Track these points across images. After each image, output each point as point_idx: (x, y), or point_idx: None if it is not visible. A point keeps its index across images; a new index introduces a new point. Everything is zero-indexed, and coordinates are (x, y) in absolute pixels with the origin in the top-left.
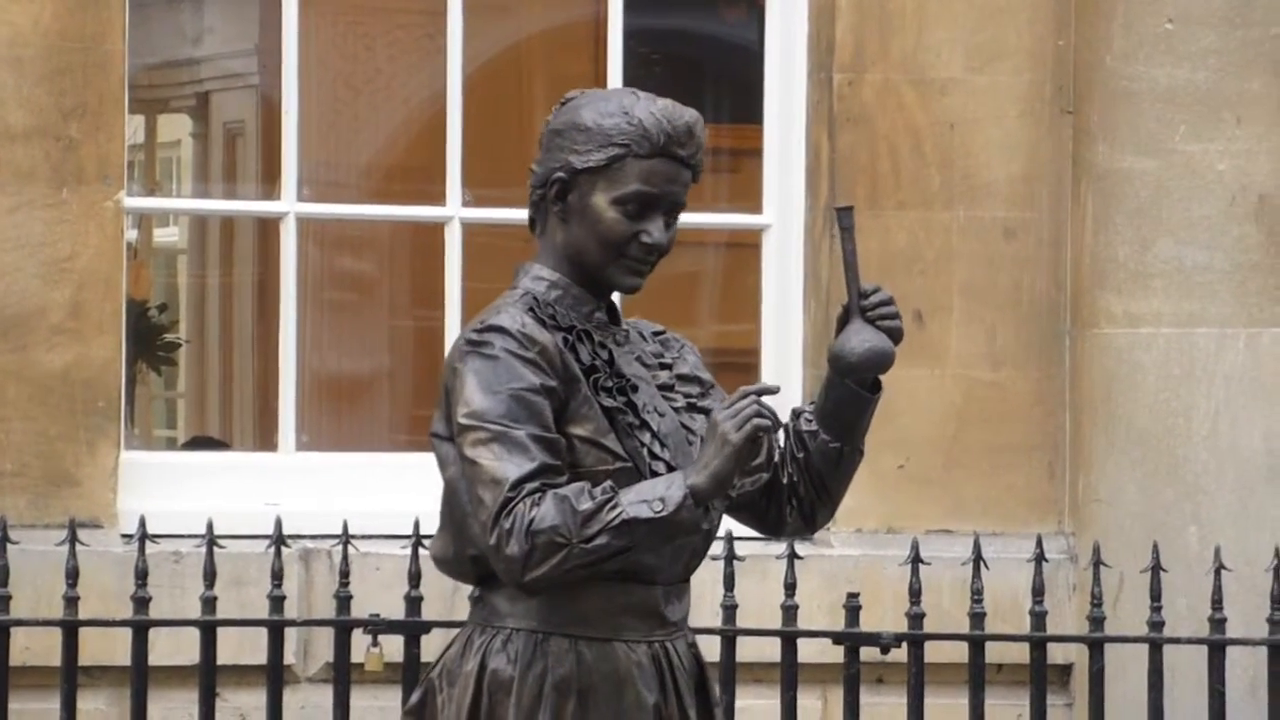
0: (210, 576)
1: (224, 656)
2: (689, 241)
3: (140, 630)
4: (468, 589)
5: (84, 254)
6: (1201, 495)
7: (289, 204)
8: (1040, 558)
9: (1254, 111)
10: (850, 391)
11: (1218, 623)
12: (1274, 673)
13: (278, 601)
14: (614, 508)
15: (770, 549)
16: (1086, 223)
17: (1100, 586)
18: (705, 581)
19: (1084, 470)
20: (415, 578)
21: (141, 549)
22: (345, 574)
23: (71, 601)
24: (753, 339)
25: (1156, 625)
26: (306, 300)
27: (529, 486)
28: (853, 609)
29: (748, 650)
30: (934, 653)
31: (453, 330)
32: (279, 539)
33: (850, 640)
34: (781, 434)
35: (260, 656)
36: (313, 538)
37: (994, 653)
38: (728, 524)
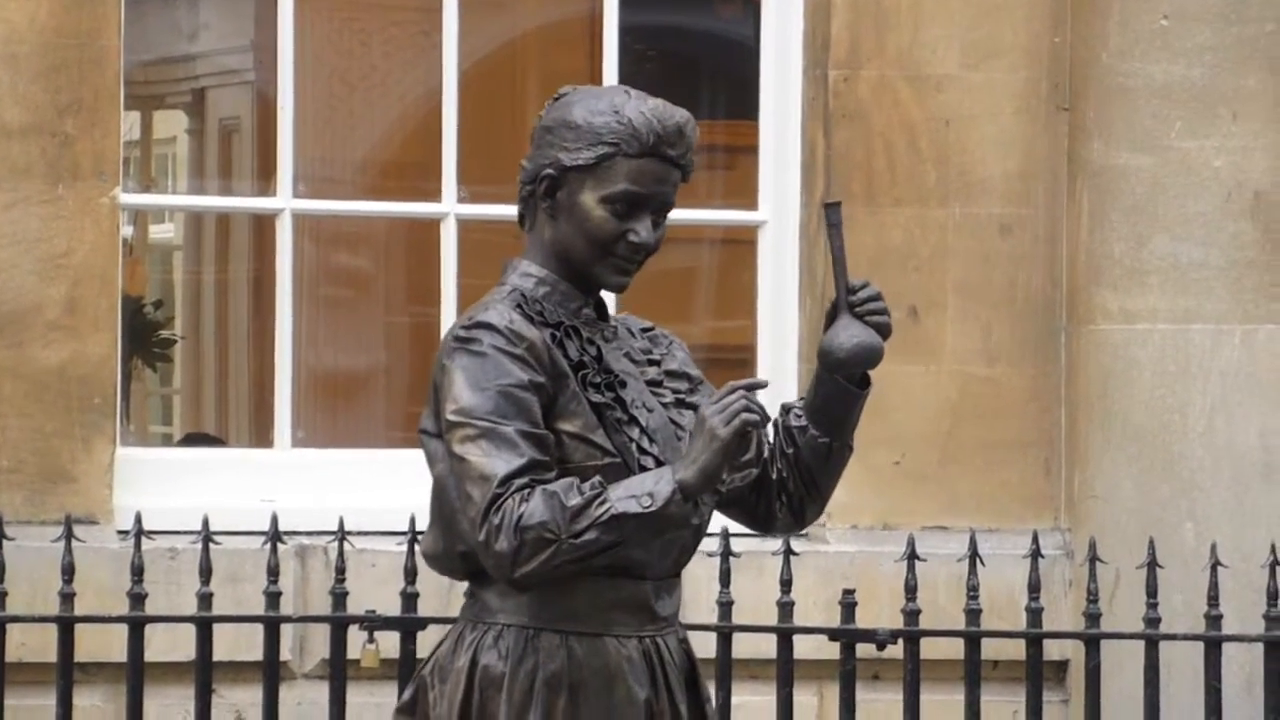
0: (206, 573)
1: (220, 653)
2: (684, 238)
3: (136, 626)
4: (463, 585)
5: (79, 250)
6: (1197, 491)
7: (284, 200)
8: (1036, 554)
9: (1250, 108)
10: (839, 387)
11: (1214, 619)
12: (1270, 669)
13: (273, 598)
14: (603, 503)
15: (766, 545)
16: (1082, 219)
17: (1096, 583)
18: (701, 578)
19: (1080, 466)
20: (411, 574)
21: (137, 545)
22: (341, 570)
23: (67, 598)
24: (748, 335)
25: (1153, 621)
26: (302, 296)
27: (518, 482)
28: (848, 605)
29: (743, 646)
30: (930, 649)
31: (448, 327)
32: (275, 535)
33: (846, 637)
34: (771, 429)
35: (256, 653)
36: (308, 534)
37: (990, 649)
38: (723, 521)
